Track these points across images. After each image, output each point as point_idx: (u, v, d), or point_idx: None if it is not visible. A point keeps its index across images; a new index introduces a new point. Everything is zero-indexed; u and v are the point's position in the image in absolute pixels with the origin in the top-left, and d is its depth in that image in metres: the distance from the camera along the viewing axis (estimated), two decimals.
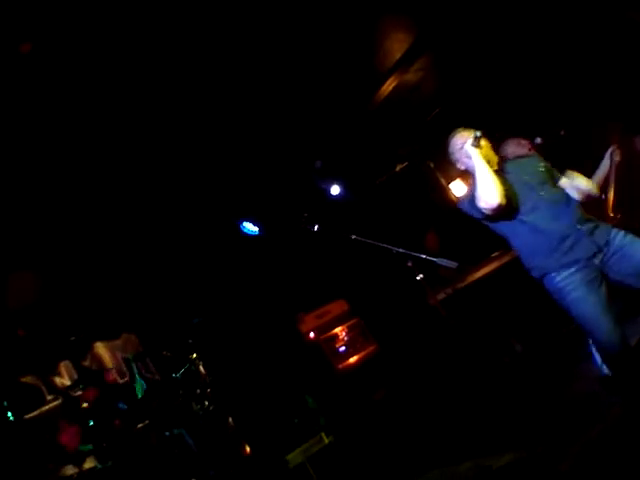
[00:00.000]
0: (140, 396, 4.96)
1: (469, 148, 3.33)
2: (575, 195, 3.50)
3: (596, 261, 3.21)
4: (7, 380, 4.90)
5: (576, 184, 3.52)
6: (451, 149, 3.66)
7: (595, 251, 3.21)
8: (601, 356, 3.69)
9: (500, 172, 3.41)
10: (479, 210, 3.32)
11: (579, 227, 3.26)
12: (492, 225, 3.52)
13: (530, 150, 4.10)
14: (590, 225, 3.29)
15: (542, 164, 3.53)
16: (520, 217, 3.35)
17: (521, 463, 3.62)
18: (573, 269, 3.21)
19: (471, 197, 3.38)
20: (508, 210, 3.31)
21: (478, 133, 3.32)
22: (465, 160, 3.50)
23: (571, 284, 3.22)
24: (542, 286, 3.40)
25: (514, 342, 5.67)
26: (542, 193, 3.35)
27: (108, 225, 5.91)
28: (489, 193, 3.20)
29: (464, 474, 3.97)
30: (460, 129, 3.65)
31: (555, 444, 3.62)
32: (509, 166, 3.52)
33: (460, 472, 4.03)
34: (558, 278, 3.27)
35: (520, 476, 3.53)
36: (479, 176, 3.24)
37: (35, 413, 4.75)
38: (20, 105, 4.12)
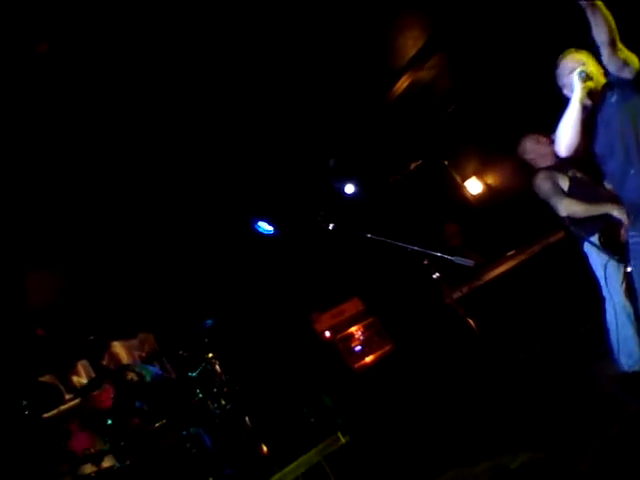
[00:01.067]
0: (149, 379, 4.97)
1: (575, 80, 3.11)
2: None
3: None
4: (26, 379, 4.95)
5: None
6: (560, 71, 3.39)
7: None
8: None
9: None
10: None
11: None
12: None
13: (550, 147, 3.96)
14: None
15: None
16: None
17: (538, 463, 3.59)
18: None
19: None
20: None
21: (584, 68, 3.10)
22: (570, 88, 3.26)
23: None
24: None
25: (532, 343, 5.63)
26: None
27: (125, 226, 5.95)
28: (564, 140, 3.11)
29: (481, 474, 3.95)
30: (572, 51, 3.37)
31: (572, 444, 3.60)
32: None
33: (477, 472, 4.01)
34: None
35: (537, 476, 3.51)
36: (567, 117, 3.10)
37: (54, 412, 4.80)
38: (38, 106, 4.16)
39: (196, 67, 4.70)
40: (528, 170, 4.33)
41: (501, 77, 6.74)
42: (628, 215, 3.27)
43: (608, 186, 3.86)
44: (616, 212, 3.64)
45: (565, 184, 3.97)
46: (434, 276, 4.09)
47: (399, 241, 3.91)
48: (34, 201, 4.97)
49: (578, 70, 3.12)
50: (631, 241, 3.17)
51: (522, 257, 6.21)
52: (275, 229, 6.81)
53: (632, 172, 3.04)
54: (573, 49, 3.37)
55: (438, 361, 6.31)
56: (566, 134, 3.11)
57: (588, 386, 4.46)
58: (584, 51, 3.27)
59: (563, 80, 3.37)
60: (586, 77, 3.10)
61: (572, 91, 3.16)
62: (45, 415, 4.73)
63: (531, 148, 4.30)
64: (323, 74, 5.72)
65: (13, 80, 3.81)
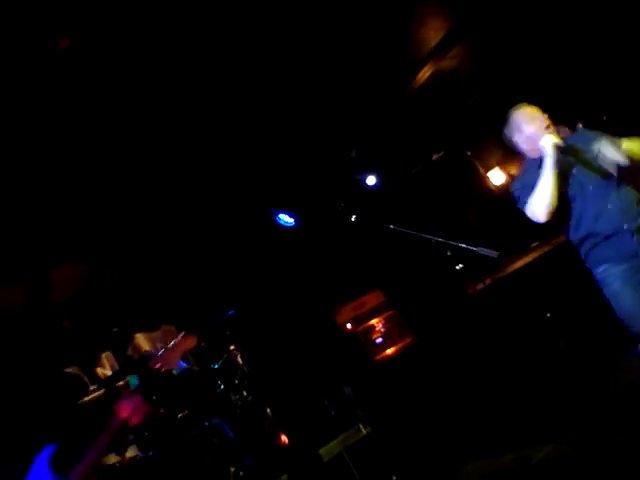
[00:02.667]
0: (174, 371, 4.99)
1: (548, 146, 3.16)
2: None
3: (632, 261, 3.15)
4: (52, 371, 5.01)
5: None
6: (515, 127, 3.42)
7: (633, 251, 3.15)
8: None
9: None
10: (525, 210, 3.28)
11: (625, 226, 3.16)
12: None
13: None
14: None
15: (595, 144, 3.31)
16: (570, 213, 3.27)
17: (562, 455, 3.56)
18: (612, 263, 3.16)
19: (520, 195, 3.31)
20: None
21: (560, 142, 3.16)
22: (528, 148, 3.36)
23: (612, 276, 3.15)
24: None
25: (557, 335, 5.57)
26: (591, 186, 3.24)
27: (148, 219, 5.99)
28: (540, 210, 3.15)
29: (504, 466, 3.92)
30: (520, 107, 3.42)
31: (597, 435, 3.55)
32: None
33: (500, 464, 3.99)
34: (600, 269, 3.24)
35: (561, 468, 3.47)
36: (542, 186, 3.14)
37: (79, 403, 4.84)
38: (57, 101, 4.20)
39: (219, 59, 4.71)
40: None
41: (524, 66, 6.65)
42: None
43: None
44: None
45: None
46: (457, 267, 4.05)
47: (422, 232, 3.87)
48: (57, 195, 5.02)
49: (552, 141, 3.15)
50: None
51: (546, 248, 6.14)
52: (296, 221, 6.82)
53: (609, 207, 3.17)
54: (525, 104, 3.42)
55: (460, 353, 6.27)
56: (545, 203, 3.14)
57: (613, 378, 4.41)
58: (534, 106, 3.37)
59: (516, 137, 3.41)
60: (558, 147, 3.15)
61: (538, 151, 3.22)
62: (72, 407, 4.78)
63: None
64: (346, 65, 5.69)
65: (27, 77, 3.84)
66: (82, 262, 5.94)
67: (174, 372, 4.94)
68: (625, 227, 3.16)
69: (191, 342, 3.07)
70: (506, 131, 3.51)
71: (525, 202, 3.24)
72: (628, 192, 3.27)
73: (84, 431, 2.78)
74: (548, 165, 3.14)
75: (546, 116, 3.33)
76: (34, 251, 5.34)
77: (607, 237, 3.17)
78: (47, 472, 2.46)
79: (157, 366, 2.83)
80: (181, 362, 5.80)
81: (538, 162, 3.29)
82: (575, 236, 3.33)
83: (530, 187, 3.23)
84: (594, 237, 3.22)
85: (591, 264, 3.31)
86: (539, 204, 3.14)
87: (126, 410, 2.70)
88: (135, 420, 2.71)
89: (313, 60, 5.39)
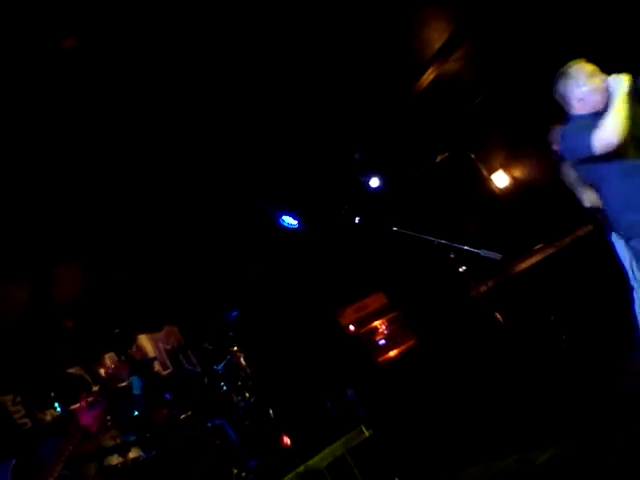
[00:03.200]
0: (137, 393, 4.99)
1: (620, 81, 3.12)
2: None
3: None
4: (55, 371, 5.02)
5: None
6: (577, 79, 3.33)
7: None
8: None
9: None
10: (586, 147, 3.11)
11: None
12: (585, 168, 3.35)
13: None
14: None
15: None
16: (622, 160, 3.17)
17: (565, 457, 3.55)
18: None
19: (578, 135, 3.17)
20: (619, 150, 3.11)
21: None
22: (582, 103, 3.29)
23: None
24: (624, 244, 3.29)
25: (561, 336, 5.56)
26: None
27: (152, 219, 6.00)
28: (614, 129, 3.01)
29: (508, 468, 3.91)
30: (578, 62, 3.40)
31: (599, 438, 3.54)
32: None
33: (503, 466, 3.97)
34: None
35: (564, 471, 3.46)
36: (616, 110, 3.04)
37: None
38: (58, 103, 4.21)
39: (224, 61, 4.72)
40: (555, 162, 4.27)
41: (527, 68, 6.65)
42: None
43: None
44: None
45: None
46: (460, 269, 4.04)
47: (425, 234, 3.87)
48: (60, 195, 5.03)
49: (624, 78, 3.13)
50: None
51: (550, 250, 6.13)
52: (300, 223, 6.82)
53: None
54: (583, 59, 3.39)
55: (463, 355, 6.26)
56: (621, 123, 3.02)
57: (617, 380, 4.39)
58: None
59: (574, 90, 3.33)
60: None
61: (604, 92, 3.18)
62: (73, 407, 4.79)
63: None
64: (350, 67, 5.70)
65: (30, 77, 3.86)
66: (85, 262, 5.96)
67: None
68: None
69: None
70: (560, 86, 3.41)
71: (590, 136, 3.08)
72: None
73: (45, 444, 2.77)
74: (622, 93, 3.09)
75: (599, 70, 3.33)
76: (38, 251, 5.35)
77: None
78: None
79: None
80: (186, 364, 5.81)
81: (589, 116, 3.26)
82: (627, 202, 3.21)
83: (587, 128, 3.13)
84: None
85: (635, 234, 3.19)
86: (613, 125, 3.02)
87: (87, 418, 2.69)
88: (93, 429, 2.71)
89: (317, 63, 5.40)
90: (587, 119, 3.24)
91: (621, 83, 3.13)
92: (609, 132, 3.02)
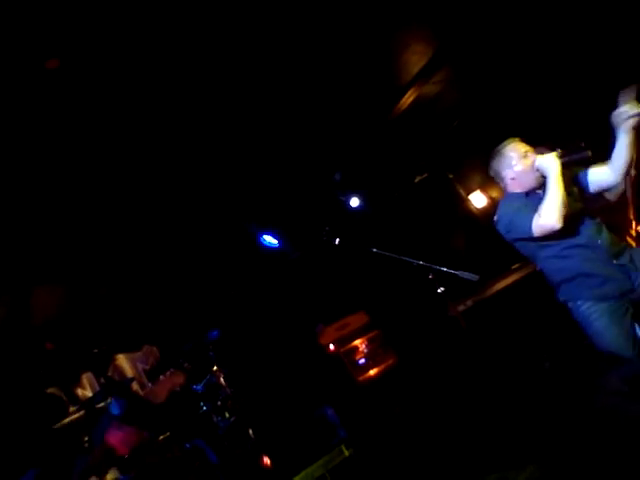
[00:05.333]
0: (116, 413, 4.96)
1: (549, 162, 3.22)
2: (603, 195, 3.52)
3: (627, 296, 3.22)
4: (32, 392, 4.95)
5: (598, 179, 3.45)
6: (508, 162, 3.46)
7: (629, 289, 3.21)
8: None
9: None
10: (525, 230, 3.25)
11: (614, 261, 3.24)
12: (521, 244, 3.47)
13: None
14: (625, 257, 3.27)
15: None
16: (559, 241, 3.30)
17: (543, 476, 3.58)
18: (601, 300, 3.22)
19: (515, 217, 3.31)
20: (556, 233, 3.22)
21: (558, 151, 3.26)
22: (515, 183, 3.41)
23: (595, 313, 3.22)
24: (565, 308, 3.40)
25: (540, 356, 5.62)
26: (579, 220, 3.31)
27: (129, 239, 5.98)
28: (554, 215, 3.11)
29: None
30: (512, 142, 3.52)
31: (575, 457, 3.58)
32: None
33: None
34: (583, 307, 3.28)
35: None
36: (553, 195, 3.14)
37: (59, 425, 4.79)
38: (41, 114, 4.20)
39: (202, 80, 4.75)
40: None
41: (506, 91, 6.78)
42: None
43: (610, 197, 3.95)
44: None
45: None
46: (439, 290, 4.10)
47: (404, 255, 3.92)
48: (37, 216, 5.01)
49: (554, 153, 3.25)
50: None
51: (528, 270, 6.21)
52: (280, 242, 6.84)
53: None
54: (516, 139, 3.55)
55: (443, 374, 6.29)
56: (560, 207, 3.13)
57: (595, 399, 4.44)
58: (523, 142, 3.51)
59: (505, 171, 3.45)
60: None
61: (536, 172, 3.30)
62: (52, 427, 4.72)
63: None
64: (329, 88, 5.76)
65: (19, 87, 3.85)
66: (63, 283, 5.91)
67: None
68: (615, 263, 3.24)
69: (179, 379, 3.06)
70: (495, 164, 3.55)
71: (529, 220, 3.20)
72: (603, 227, 3.39)
73: (64, 454, 2.74)
74: (555, 175, 3.17)
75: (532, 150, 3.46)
76: (14, 272, 5.30)
77: (596, 275, 3.23)
78: None
79: (144, 397, 2.83)
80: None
81: (522, 195, 3.39)
82: (563, 274, 3.36)
83: (521, 209, 3.28)
84: (583, 275, 3.26)
85: (571, 298, 3.34)
86: (553, 211, 3.11)
87: (115, 438, 2.67)
88: (122, 451, 2.68)
89: (298, 84, 5.45)
90: (521, 198, 3.38)
91: (551, 163, 3.21)
92: (550, 218, 3.12)
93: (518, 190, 3.43)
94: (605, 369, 4.18)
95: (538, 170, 3.30)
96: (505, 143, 3.54)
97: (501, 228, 3.45)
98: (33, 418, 4.57)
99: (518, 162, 3.40)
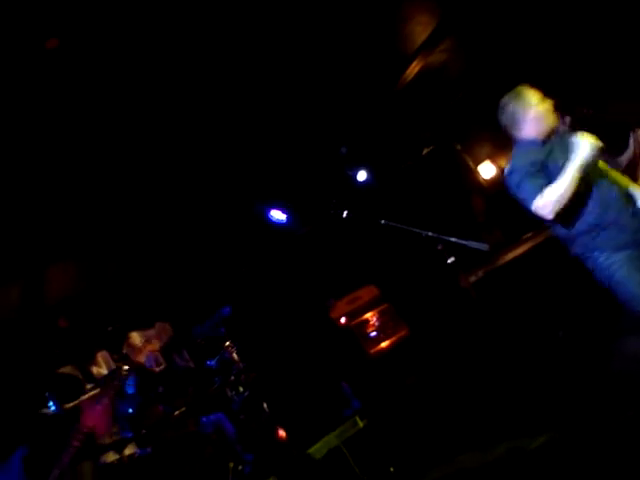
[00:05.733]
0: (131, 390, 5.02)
1: (585, 146, 3.08)
2: None
3: None
4: (47, 371, 5.02)
5: None
6: (523, 105, 3.32)
7: None
8: None
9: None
10: (526, 203, 3.18)
11: (629, 209, 3.22)
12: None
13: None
14: (634, 204, 3.26)
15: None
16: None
17: (556, 444, 3.60)
18: (619, 250, 3.17)
19: (523, 182, 3.21)
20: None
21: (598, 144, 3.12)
22: (529, 128, 3.29)
23: (615, 264, 3.17)
24: (581, 263, 3.34)
25: (553, 325, 5.61)
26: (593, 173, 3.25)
27: (142, 216, 6.00)
28: (552, 207, 3.06)
29: (499, 456, 3.96)
30: (535, 90, 3.37)
31: (590, 424, 3.60)
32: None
33: (495, 454, 4.03)
34: (601, 258, 3.21)
35: (555, 458, 3.51)
36: (564, 186, 3.06)
37: (75, 402, 4.86)
38: (55, 100, 4.20)
39: (209, 56, 4.72)
40: None
41: (512, 58, 6.70)
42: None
43: (620, 163, 3.96)
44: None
45: None
46: (449, 261, 4.08)
47: (413, 227, 3.90)
48: (51, 193, 5.03)
49: (594, 144, 3.11)
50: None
51: (539, 239, 6.18)
52: (288, 218, 6.84)
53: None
54: (528, 86, 3.39)
55: (454, 345, 6.32)
56: (561, 203, 3.07)
57: (612, 365, 4.44)
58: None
59: (520, 115, 3.32)
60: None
61: (569, 151, 3.13)
62: (67, 405, 4.79)
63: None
64: (334, 62, 5.71)
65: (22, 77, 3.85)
66: (76, 261, 5.95)
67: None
68: (630, 211, 3.22)
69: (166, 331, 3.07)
70: (512, 106, 3.38)
71: (532, 195, 3.12)
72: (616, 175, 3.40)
73: (54, 437, 2.78)
74: (579, 166, 3.07)
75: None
76: (28, 251, 5.34)
77: (612, 225, 3.18)
78: (20, 475, 2.48)
79: (138, 358, 2.84)
80: (179, 360, 5.82)
81: (536, 143, 3.30)
82: (579, 227, 3.27)
83: (534, 175, 3.18)
84: (600, 226, 3.20)
85: (588, 250, 3.28)
86: (554, 202, 3.06)
87: (91, 419, 2.70)
88: (100, 428, 2.71)
89: (301, 58, 5.41)
90: (536, 146, 3.28)
91: (585, 149, 3.09)
92: (546, 209, 3.06)
93: (533, 135, 3.32)
94: (621, 335, 4.18)
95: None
96: (520, 87, 3.41)
97: (511, 183, 3.33)
98: (50, 397, 4.64)
99: (539, 103, 3.30)
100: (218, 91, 5.21)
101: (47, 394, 4.70)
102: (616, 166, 3.88)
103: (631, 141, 4.07)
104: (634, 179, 4.12)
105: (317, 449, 4.81)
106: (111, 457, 4.57)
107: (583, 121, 3.74)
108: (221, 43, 4.66)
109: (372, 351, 6.74)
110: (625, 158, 4.04)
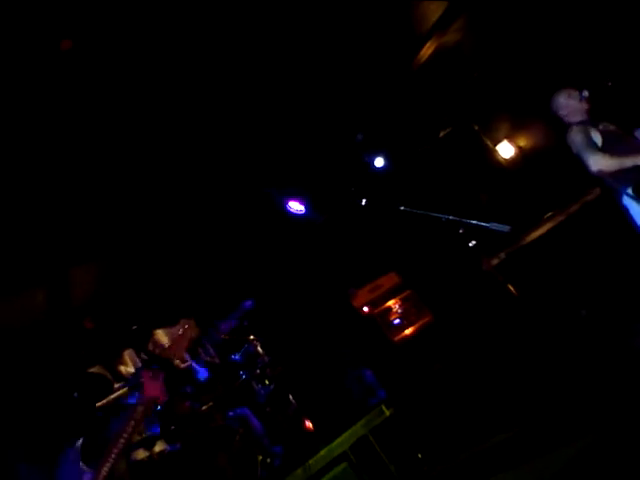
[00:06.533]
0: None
1: None
2: None
3: None
4: (76, 372, 5.08)
5: None
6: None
7: None
8: None
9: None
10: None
11: None
12: None
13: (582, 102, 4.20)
14: None
15: None
16: None
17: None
18: None
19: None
20: None
21: None
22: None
23: None
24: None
25: (577, 305, 5.54)
26: None
27: (161, 214, 6.03)
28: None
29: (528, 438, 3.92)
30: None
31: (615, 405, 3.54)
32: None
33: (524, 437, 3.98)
34: None
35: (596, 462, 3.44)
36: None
37: (104, 401, 4.91)
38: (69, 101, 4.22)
39: (221, 39, 4.69)
40: (560, 128, 4.24)
41: (527, 35, 6.57)
42: None
43: (639, 134, 4.00)
44: None
45: (598, 138, 3.92)
46: (470, 244, 4.03)
47: (432, 211, 3.86)
48: (69, 195, 5.06)
49: None
50: None
51: (560, 218, 6.08)
52: (306, 208, 6.82)
53: None
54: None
55: (480, 329, 6.26)
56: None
57: (634, 342, 4.37)
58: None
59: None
60: None
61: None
62: (97, 404, 4.84)
63: (564, 103, 4.24)
64: (348, 47, 5.66)
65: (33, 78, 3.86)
66: (98, 262, 6.00)
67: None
68: None
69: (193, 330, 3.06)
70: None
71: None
72: None
73: (110, 424, 2.79)
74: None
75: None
76: (51, 255, 5.40)
77: None
78: (78, 463, 2.50)
79: (168, 356, 2.82)
80: (204, 356, 5.85)
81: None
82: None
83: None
84: None
85: None
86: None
87: (153, 389, 2.69)
88: (163, 398, 2.71)
89: (315, 46, 5.36)
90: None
91: None
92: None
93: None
94: None
95: None
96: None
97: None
98: (81, 397, 4.70)
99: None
100: (234, 80, 5.19)
101: (75, 395, 4.76)
102: (635, 139, 3.84)
103: None
104: None
105: (344, 439, 4.81)
106: (141, 454, 4.63)
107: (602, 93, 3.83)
108: (234, 27, 4.62)
109: (396, 339, 6.70)
110: None
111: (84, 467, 2.47)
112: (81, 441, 2.58)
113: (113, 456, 2.43)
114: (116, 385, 5.22)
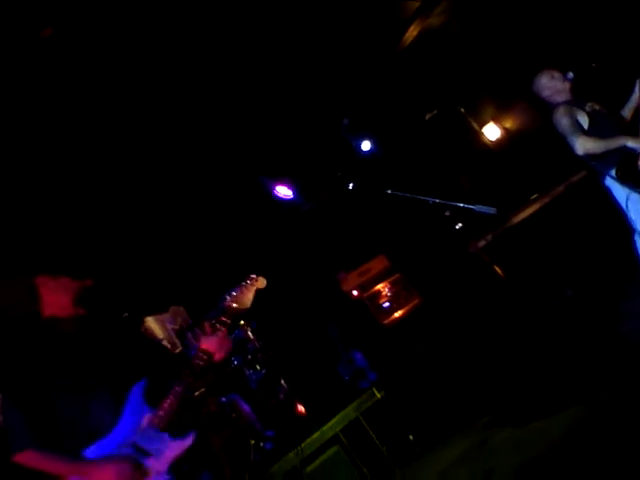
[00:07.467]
0: None
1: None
2: None
3: None
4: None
5: None
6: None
7: None
8: None
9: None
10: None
11: None
12: None
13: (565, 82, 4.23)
14: None
15: None
16: None
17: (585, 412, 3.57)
18: None
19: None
20: None
21: None
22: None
23: None
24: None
25: (563, 286, 5.60)
26: None
27: (148, 202, 6.01)
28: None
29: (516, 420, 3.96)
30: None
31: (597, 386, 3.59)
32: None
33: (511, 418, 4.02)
34: None
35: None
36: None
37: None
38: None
39: (210, 29, 4.66)
40: (545, 110, 4.26)
41: (512, 16, 6.57)
42: None
43: (625, 114, 4.05)
44: (630, 142, 3.67)
45: (584, 119, 3.93)
46: (457, 227, 4.05)
47: (419, 194, 3.87)
48: (58, 183, 5.04)
49: None
50: None
51: (545, 199, 6.13)
52: (294, 193, 6.82)
53: None
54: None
55: (468, 310, 6.31)
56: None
57: (621, 324, 4.42)
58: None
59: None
60: None
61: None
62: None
63: (546, 84, 4.24)
64: (332, 30, 5.63)
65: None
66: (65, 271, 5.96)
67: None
68: None
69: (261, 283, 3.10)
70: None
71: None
72: None
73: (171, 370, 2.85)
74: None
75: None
76: (38, 244, 5.36)
77: None
78: (141, 404, 2.56)
79: (233, 306, 2.85)
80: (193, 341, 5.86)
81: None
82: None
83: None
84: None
85: None
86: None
87: (211, 345, 2.73)
88: (219, 356, 2.75)
89: (300, 30, 5.34)
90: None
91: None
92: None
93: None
94: (630, 295, 4.16)
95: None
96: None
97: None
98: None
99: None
100: (219, 66, 5.16)
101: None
102: (621, 118, 3.85)
103: (636, 88, 4.01)
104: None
105: (336, 422, 4.86)
106: None
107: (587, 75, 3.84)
108: (219, 15, 4.59)
109: (386, 322, 6.74)
110: (629, 108, 4.01)
111: (146, 406, 2.55)
112: (143, 384, 2.66)
113: (170, 402, 2.53)
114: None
